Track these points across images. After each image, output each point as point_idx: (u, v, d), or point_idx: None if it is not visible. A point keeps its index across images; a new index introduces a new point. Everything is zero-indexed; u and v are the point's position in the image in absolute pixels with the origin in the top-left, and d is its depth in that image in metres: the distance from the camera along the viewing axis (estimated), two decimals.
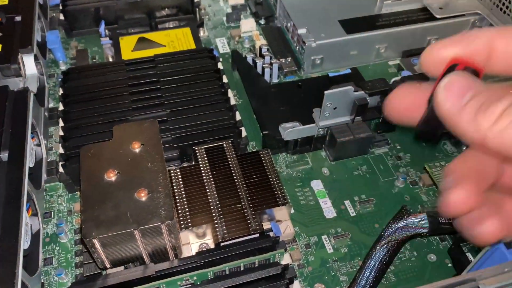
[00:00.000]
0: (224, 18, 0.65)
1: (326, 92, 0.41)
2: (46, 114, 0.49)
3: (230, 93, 0.50)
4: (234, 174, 0.42)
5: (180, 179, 0.41)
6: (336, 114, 0.44)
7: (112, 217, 0.33)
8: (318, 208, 0.45)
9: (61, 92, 0.49)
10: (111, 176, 0.35)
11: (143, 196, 0.34)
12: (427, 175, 0.46)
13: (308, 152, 0.49)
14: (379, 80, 0.42)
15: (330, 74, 0.44)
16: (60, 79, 0.51)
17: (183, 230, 0.38)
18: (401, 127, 0.49)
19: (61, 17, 0.60)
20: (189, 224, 0.38)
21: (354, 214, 0.44)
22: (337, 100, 0.42)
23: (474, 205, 0.22)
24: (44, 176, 0.44)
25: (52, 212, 0.44)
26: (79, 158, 0.37)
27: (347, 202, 0.45)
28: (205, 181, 0.41)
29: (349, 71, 0.44)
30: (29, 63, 0.43)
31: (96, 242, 0.32)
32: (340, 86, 0.42)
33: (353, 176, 0.47)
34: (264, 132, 0.47)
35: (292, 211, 0.44)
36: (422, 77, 0.43)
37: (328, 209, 0.44)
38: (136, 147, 0.37)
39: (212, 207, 0.39)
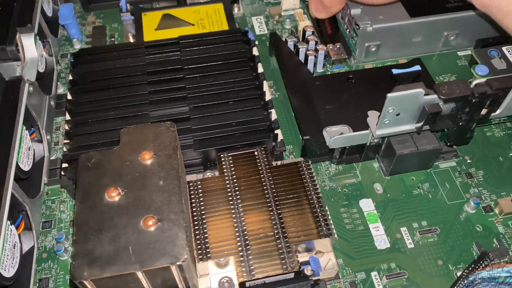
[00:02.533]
0: None
1: (389, 95, 0.32)
2: (52, 103, 0.43)
3: (266, 86, 0.42)
4: (266, 191, 0.34)
5: (201, 194, 0.34)
6: (398, 121, 0.35)
7: (110, 252, 0.26)
8: (368, 235, 0.36)
9: (70, 78, 0.42)
10: (114, 196, 0.28)
11: (150, 225, 0.27)
12: (506, 201, 0.37)
13: (358, 162, 0.41)
14: (457, 83, 0.32)
15: (394, 71, 0.35)
16: (71, 61, 0.44)
17: (201, 262, 0.31)
18: (473, 140, 0.40)
19: None
20: (208, 256, 0.31)
21: (412, 245, 0.36)
22: (402, 105, 0.33)
23: None
24: (45, 179, 0.38)
25: (53, 221, 0.37)
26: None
27: (403, 230, 0.37)
28: (230, 198, 0.33)
29: (419, 68, 0.35)
30: (28, 45, 0.36)
31: (88, 284, 0.26)
32: (407, 87, 0.33)
33: (412, 195, 0.39)
34: (305, 137, 0.39)
35: (335, 237, 0.36)
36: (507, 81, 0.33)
37: (380, 238, 0.36)
38: (147, 158, 0.30)
39: (237, 234, 0.32)
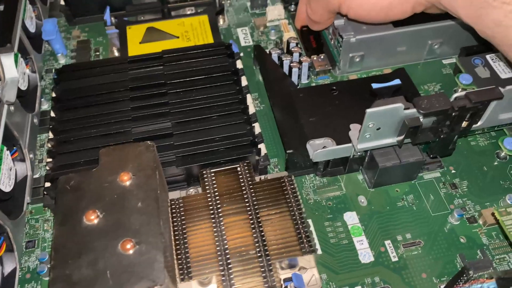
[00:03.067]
0: (248, 4, 0.56)
1: (368, 110, 0.32)
2: (35, 120, 0.43)
3: (250, 99, 0.42)
4: (248, 208, 0.34)
5: (182, 213, 0.34)
6: (379, 135, 0.35)
7: (88, 277, 0.26)
8: (352, 249, 0.36)
9: (53, 95, 0.42)
10: (92, 219, 0.28)
11: (129, 248, 0.27)
12: (489, 212, 0.37)
13: (342, 174, 0.41)
14: (437, 96, 0.32)
15: (374, 86, 0.35)
16: (54, 78, 0.44)
17: (182, 281, 0.31)
18: (457, 150, 0.40)
19: (62, 2, 0.52)
20: (190, 275, 0.31)
21: (397, 259, 0.36)
22: (382, 120, 0.33)
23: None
24: (28, 198, 0.38)
25: (37, 241, 0.37)
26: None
27: (388, 243, 0.37)
28: (212, 216, 0.33)
29: (399, 82, 0.35)
30: (8, 65, 0.36)
31: None
32: (387, 102, 0.33)
33: (397, 208, 0.39)
34: (288, 151, 0.39)
35: (320, 251, 0.36)
36: (493, 93, 0.33)
37: (365, 252, 0.36)
38: (126, 180, 0.30)
39: (219, 253, 0.32)
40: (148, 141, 0.32)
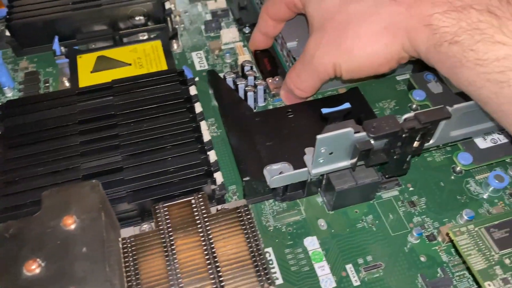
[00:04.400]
0: (202, 27, 0.55)
1: (318, 136, 0.32)
2: None
3: (205, 126, 0.41)
4: (203, 242, 0.33)
5: (134, 252, 0.32)
6: (332, 159, 0.35)
7: None
8: (314, 276, 0.36)
9: None
10: (33, 269, 0.27)
11: None
12: (447, 229, 0.37)
13: (301, 198, 0.40)
14: (386, 119, 0.32)
15: (324, 111, 0.35)
16: None
17: None
18: (414, 167, 0.40)
19: (7, 33, 0.50)
20: None
21: (358, 283, 0.35)
22: (334, 145, 0.33)
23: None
24: None
25: None
26: None
27: (349, 267, 0.36)
28: (166, 254, 0.32)
29: (348, 106, 0.35)
30: None
31: None
32: (337, 127, 0.33)
33: (357, 229, 0.38)
34: (245, 179, 0.38)
35: (281, 281, 0.35)
36: (441, 113, 0.33)
37: (326, 278, 0.36)
38: (69, 224, 0.28)
39: None
40: (94, 180, 0.31)
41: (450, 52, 0.32)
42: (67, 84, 0.49)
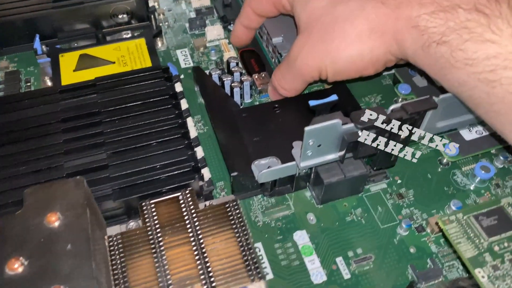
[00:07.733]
0: (187, 25, 0.55)
1: (306, 128, 0.31)
2: None
3: (191, 122, 0.40)
4: (192, 238, 0.32)
5: (121, 250, 0.31)
6: (321, 152, 0.34)
7: None
8: (304, 270, 0.35)
9: None
10: (16, 267, 0.26)
11: None
12: (435, 219, 0.37)
13: (290, 192, 0.40)
14: (374, 110, 0.32)
15: (311, 103, 0.35)
16: None
17: None
18: (401, 160, 0.40)
19: None
20: None
21: (349, 275, 0.35)
22: (322, 137, 0.33)
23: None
24: None
25: None
26: None
27: (339, 260, 0.36)
28: (153, 251, 0.31)
29: (336, 98, 0.35)
30: None
31: None
32: (325, 118, 0.32)
33: (346, 223, 0.38)
34: (233, 174, 0.38)
35: (272, 276, 0.35)
36: (428, 103, 0.34)
37: (316, 271, 0.35)
38: (53, 221, 0.28)
39: None
40: (78, 176, 0.30)
41: (438, 53, 0.32)
42: (49, 83, 0.48)
